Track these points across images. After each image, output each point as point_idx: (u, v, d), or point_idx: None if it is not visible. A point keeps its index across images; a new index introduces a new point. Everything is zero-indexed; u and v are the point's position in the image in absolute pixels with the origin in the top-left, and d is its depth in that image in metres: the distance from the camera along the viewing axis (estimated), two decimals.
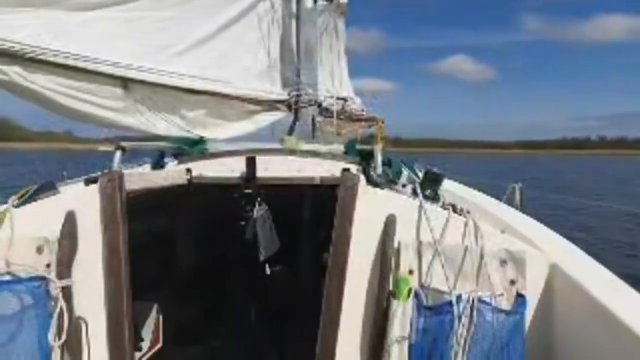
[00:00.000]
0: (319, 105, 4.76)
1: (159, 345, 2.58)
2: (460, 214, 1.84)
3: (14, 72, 3.21)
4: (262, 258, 2.52)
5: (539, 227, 2.19)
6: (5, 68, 3.19)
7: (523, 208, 3.19)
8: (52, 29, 3.41)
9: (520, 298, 1.72)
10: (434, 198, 1.96)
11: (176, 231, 3.11)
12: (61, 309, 1.68)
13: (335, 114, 4.87)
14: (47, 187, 1.97)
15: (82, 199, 1.81)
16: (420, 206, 1.80)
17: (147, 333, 2.50)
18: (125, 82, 3.74)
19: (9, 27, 3.19)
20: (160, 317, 2.70)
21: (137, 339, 2.25)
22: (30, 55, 3.25)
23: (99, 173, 1.94)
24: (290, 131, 4.61)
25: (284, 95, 4.69)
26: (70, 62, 3.44)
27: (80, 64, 3.49)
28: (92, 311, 1.79)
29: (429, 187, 1.98)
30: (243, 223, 2.52)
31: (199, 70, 4.19)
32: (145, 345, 2.39)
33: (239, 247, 2.63)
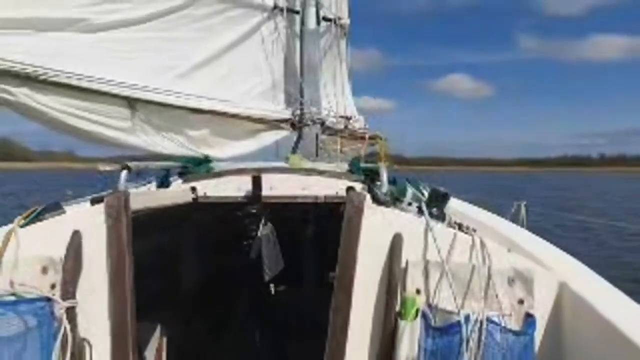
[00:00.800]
0: (322, 123, 4.79)
1: None
2: (466, 233, 1.83)
3: (23, 94, 3.25)
4: (266, 277, 2.50)
5: (546, 245, 2.17)
6: (14, 90, 3.23)
7: (528, 226, 3.18)
8: (60, 50, 3.47)
9: (529, 318, 1.70)
10: (440, 217, 1.95)
11: (181, 250, 3.09)
12: (65, 330, 1.66)
13: (338, 133, 4.89)
14: (53, 207, 1.97)
15: (88, 219, 1.81)
16: (427, 225, 1.79)
17: (150, 354, 2.47)
18: (131, 102, 3.78)
19: (17, 49, 3.24)
20: (164, 338, 2.67)
21: None
22: (39, 76, 3.30)
23: (105, 192, 1.94)
24: (294, 149, 4.63)
25: (287, 114, 4.73)
26: (78, 82, 3.49)
27: (88, 84, 3.54)
28: (96, 332, 1.78)
29: (435, 205, 1.97)
30: (248, 242, 2.52)
31: (203, 89, 4.24)
32: None
33: (243, 266, 2.61)
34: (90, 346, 1.74)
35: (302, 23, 4.78)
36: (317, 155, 4.51)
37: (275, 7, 4.67)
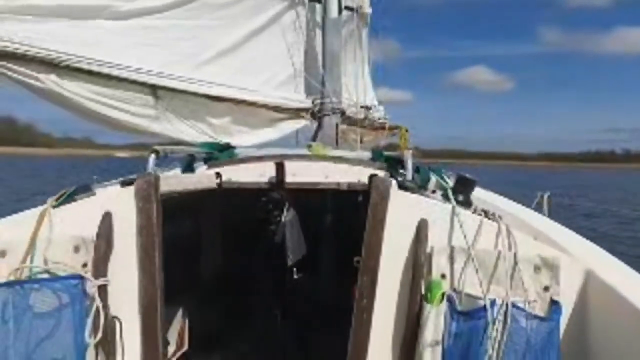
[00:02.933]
0: (343, 113, 4.78)
1: (185, 349, 2.61)
2: (492, 220, 1.83)
3: (51, 81, 3.33)
4: (289, 262, 2.53)
5: (571, 234, 2.16)
6: (42, 76, 3.30)
7: (551, 217, 3.15)
8: (86, 37, 3.53)
9: (554, 305, 1.70)
10: (466, 203, 1.95)
11: (204, 235, 3.14)
12: (97, 308, 1.71)
13: (358, 122, 4.88)
14: (84, 189, 2.02)
15: (118, 200, 1.85)
16: (453, 211, 1.79)
17: (172, 336, 2.52)
18: (155, 90, 3.84)
19: (45, 36, 3.31)
20: (186, 321, 2.73)
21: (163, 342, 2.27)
22: (66, 63, 3.37)
23: (134, 175, 1.98)
24: (314, 139, 4.64)
25: (308, 104, 4.73)
26: (103, 69, 3.55)
27: (113, 71, 3.60)
28: (126, 310, 1.83)
29: (461, 192, 1.97)
30: (271, 227, 2.54)
31: (225, 78, 4.27)
32: (170, 349, 2.42)
33: (265, 251, 2.65)
34: (121, 324, 1.79)
35: (324, 12, 4.76)
36: (337, 144, 4.51)
37: None
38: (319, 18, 4.86)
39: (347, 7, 4.93)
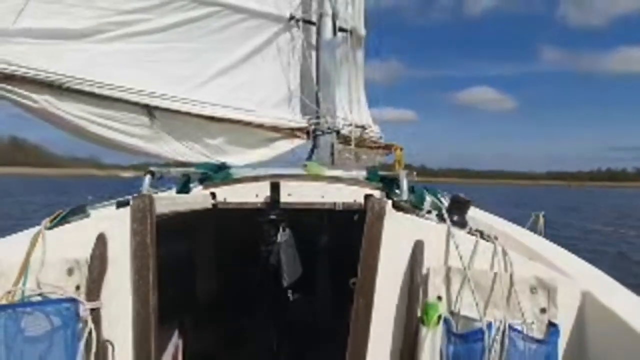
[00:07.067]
0: (338, 132, 4.81)
1: None
2: (488, 240, 1.83)
3: (45, 101, 3.34)
4: (285, 284, 2.51)
5: (568, 254, 2.15)
6: (36, 96, 3.32)
7: (546, 236, 3.15)
8: (81, 59, 3.56)
9: (552, 327, 1.69)
10: (462, 224, 1.95)
11: (199, 256, 3.12)
12: (90, 331, 1.69)
13: (353, 142, 4.90)
14: (79, 210, 2.00)
15: (113, 222, 1.83)
16: (449, 232, 1.79)
17: (167, 358, 2.49)
18: (150, 110, 3.86)
19: (40, 58, 3.33)
20: (181, 342, 2.69)
21: None
22: (60, 84, 3.38)
23: (130, 197, 1.97)
24: (310, 158, 4.66)
25: (303, 123, 4.76)
26: (98, 90, 3.57)
27: (108, 92, 3.62)
28: (119, 334, 1.80)
29: (456, 212, 1.96)
30: (267, 248, 2.53)
31: (221, 98, 4.30)
32: None
33: (261, 272, 2.63)
34: (113, 347, 1.76)
35: (318, 34, 4.82)
36: (332, 163, 4.52)
37: (292, 18, 4.73)
38: (314, 40, 4.91)
39: (341, 29, 4.99)
